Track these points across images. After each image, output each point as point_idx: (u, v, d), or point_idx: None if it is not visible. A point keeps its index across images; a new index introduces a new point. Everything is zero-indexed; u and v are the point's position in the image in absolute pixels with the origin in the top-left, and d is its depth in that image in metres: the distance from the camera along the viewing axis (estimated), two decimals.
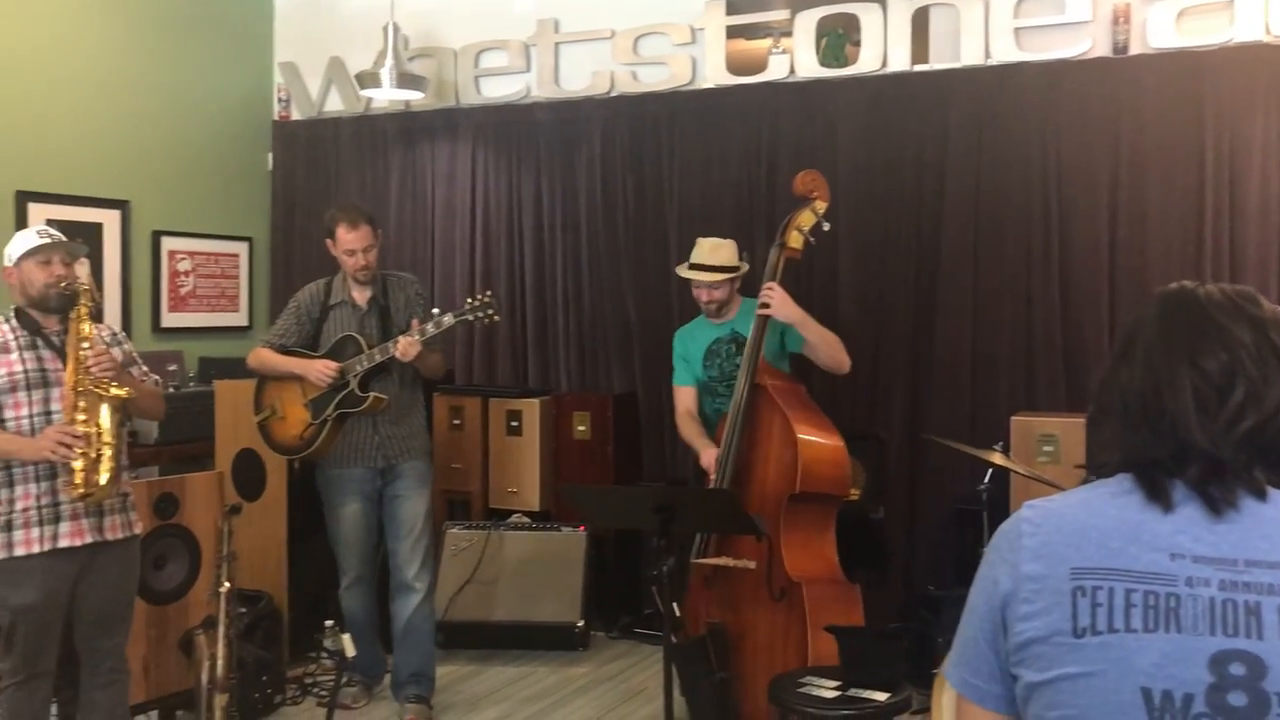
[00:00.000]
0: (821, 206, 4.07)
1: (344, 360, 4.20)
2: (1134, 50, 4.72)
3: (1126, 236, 4.71)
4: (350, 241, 4.24)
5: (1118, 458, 1.27)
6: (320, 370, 4.19)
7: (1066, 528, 1.23)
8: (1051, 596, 1.20)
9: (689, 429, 4.29)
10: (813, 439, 3.84)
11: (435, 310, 4.20)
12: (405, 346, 4.06)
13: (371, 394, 4.18)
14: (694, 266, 4.34)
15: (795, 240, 4.07)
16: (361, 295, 4.33)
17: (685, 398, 4.36)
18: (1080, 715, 1.17)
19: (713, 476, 3.98)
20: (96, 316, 3.40)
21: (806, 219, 4.07)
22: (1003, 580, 1.24)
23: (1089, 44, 4.78)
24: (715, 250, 4.34)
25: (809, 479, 3.79)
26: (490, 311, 4.09)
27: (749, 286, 4.33)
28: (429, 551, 4.38)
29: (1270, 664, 1.12)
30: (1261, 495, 1.19)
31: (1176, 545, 1.18)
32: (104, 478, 3.24)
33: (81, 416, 3.22)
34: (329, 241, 4.32)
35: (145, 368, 3.54)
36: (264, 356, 4.37)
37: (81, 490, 3.20)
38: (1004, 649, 1.24)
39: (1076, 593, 1.19)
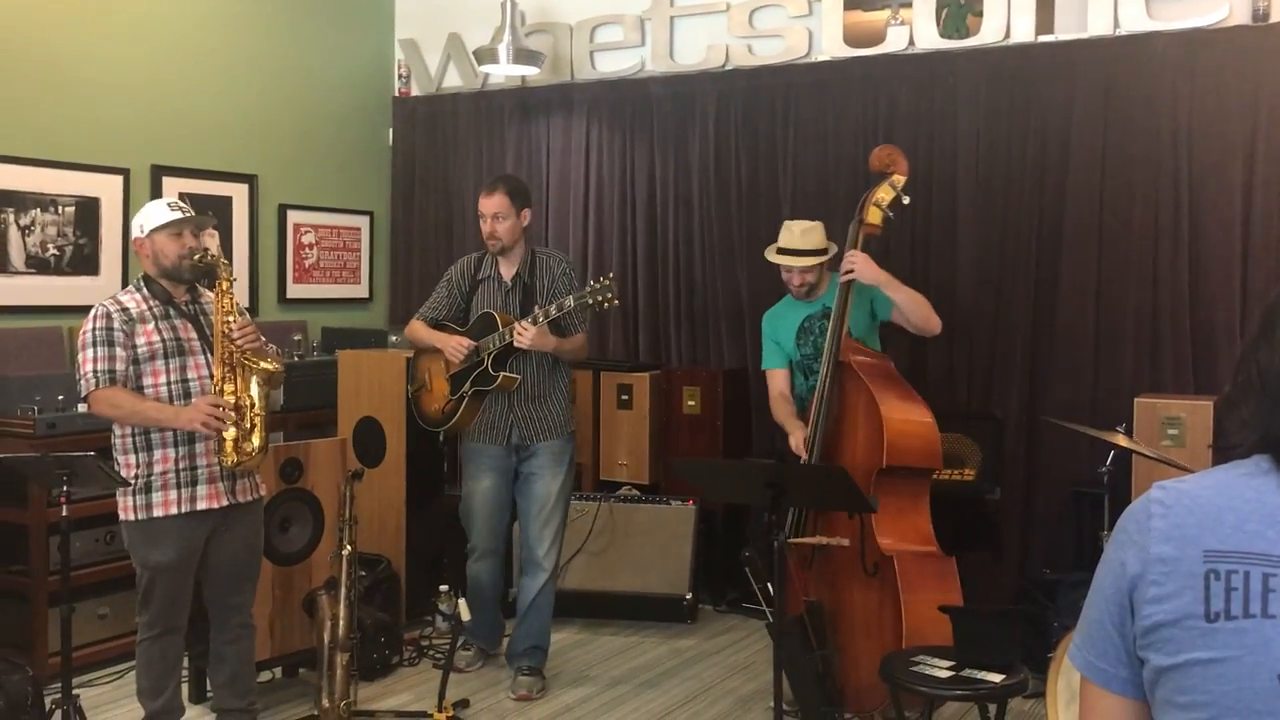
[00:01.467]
0: (900, 180, 4.05)
1: (482, 338, 4.24)
2: (1275, 18, 4.51)
3: (1263, 214, 4.51)
4: (482, 207, 4.29)
5: (1255, 438, 1.23)
6: (455, 346, 4.24)
7: (1199, 509, 1.20)
8: (1183, 579, 1.17)
9: (781, 410, 4.28)
10: (897, 412, 3.82)
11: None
12: (519, 333, 4.07)
13: (502, 374, 4.20)
14: (783, 251, 4.30)
15: (874, 216, 4.06)
16: (508, 270, 4.34)
17: (778, 380, 4.35)
18: (1213, 701, 1.15)
19: (804, 458, 3.97)
20: None
21: (885, 194, 4.05)
22: (1130, 562, 1.22)
23: (1225, 11, 4.59)
24: (806, 234, 4.30)
25: (895, 453, 3.77)
26: (610, 294, 4.00)
27: (835, 265, 4.27)
28: (559, 531, 4.40)
29: None
30: None
31: None
32: (255, 447, 3.37)
33: (230, 387, 3.35)
34: None
35: (264, 338, 3.65)
36: (414, 329, 4.48)
37: (234, 459, 3.34)
38: (1131, 632, 1.21)
39: (1210, 576, 1.16)
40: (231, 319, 3.37)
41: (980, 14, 5.05)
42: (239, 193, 5.83)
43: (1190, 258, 4.63)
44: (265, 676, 4.20)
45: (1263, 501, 1.18)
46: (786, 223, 4.43)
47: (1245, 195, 4.54)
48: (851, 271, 4.00)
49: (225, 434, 3.31)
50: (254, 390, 3.38)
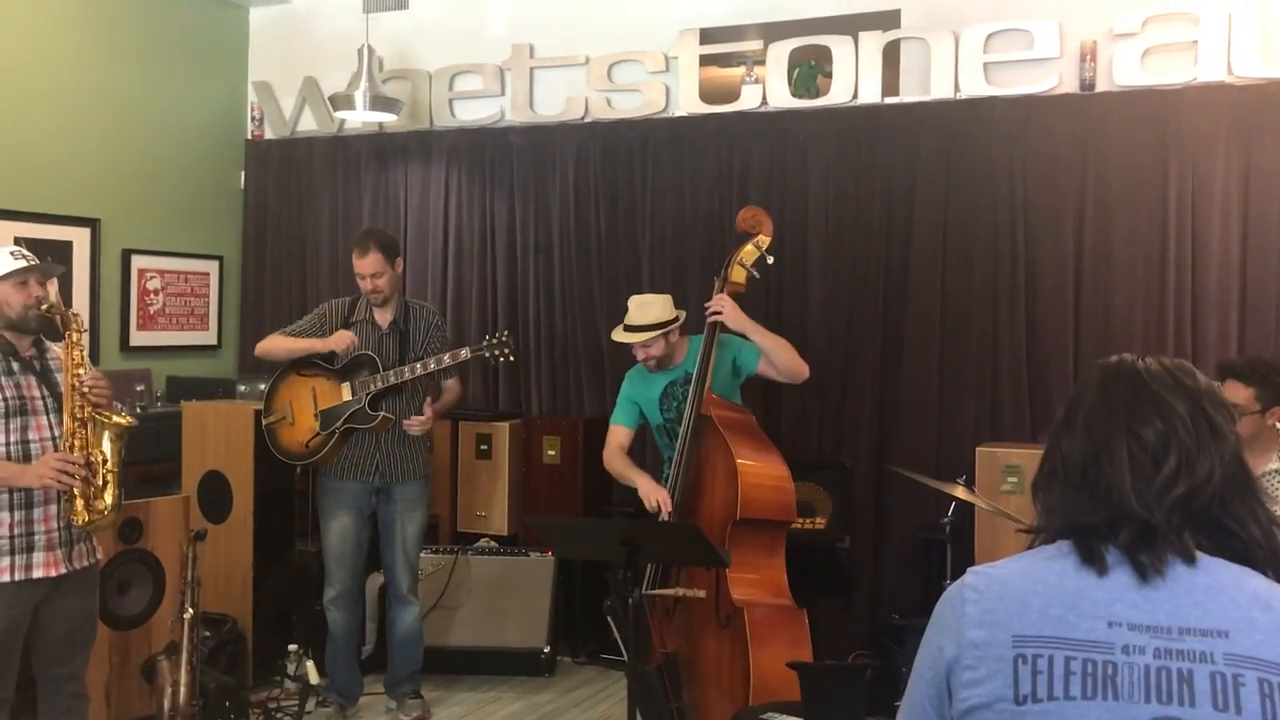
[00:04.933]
0: (765, 241, 4.12)
1: (356, 378, 4.38)
2: (1100, 88, 4.78)
3: (1092, 271, 4.77)
4: (359, 267, 4.46)
5: (1059, 523, 1.31)
6: (341, 337, 4.38)
7: (1009, 594, 1.26)
8: (994, 664, 1.23)
9: (619, 462, 4.24)
10: (752, 466, 3.86)
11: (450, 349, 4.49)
12: (410, 427, 4.37)
13: (380, 414, 4.35)
14: (628, 328, 4.24)
15: (738, 275, 4.12)
16: (383, 317, 4.52)
17: (620, 435, 4.32)
18: None
19: (668, 508, 3.93)
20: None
21: (749, 254, 4.13)
22: (947, 647, 1.27)
23: (1056, 80, 4.85)
24: (642, 309, 4.23)
25: (749, 506, 3.81)
26: (506, 351, 4.32)
27: (696, 326, 4.25)
28: (418, 567, 4.65)
29: None
30: (1190, 560, 1.23)
31: (1114, 613, 1.21)
32: (108, 505, 3.26)
33: (80, 443, 3.22)
34: None
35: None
36: (277, 341, 4.54)
37: (85, 518, 3.21)
38: (949, 715, 1.26)
39: (1018, 660, 1.22)
40: (82, 371, 3.26)
41: (830, 75, 5.22)
42: (80, 237, 5.62)
43: (1027, 313, 4.84)
44: None
45: (1064, 586, 1.24)
46: (630, 299, 4.34)
47: (1076, 253, 4.79)
48: (719, 314, 4.04)
49: (76, 492, 3.18)
50: (106, 446, 3.27)
